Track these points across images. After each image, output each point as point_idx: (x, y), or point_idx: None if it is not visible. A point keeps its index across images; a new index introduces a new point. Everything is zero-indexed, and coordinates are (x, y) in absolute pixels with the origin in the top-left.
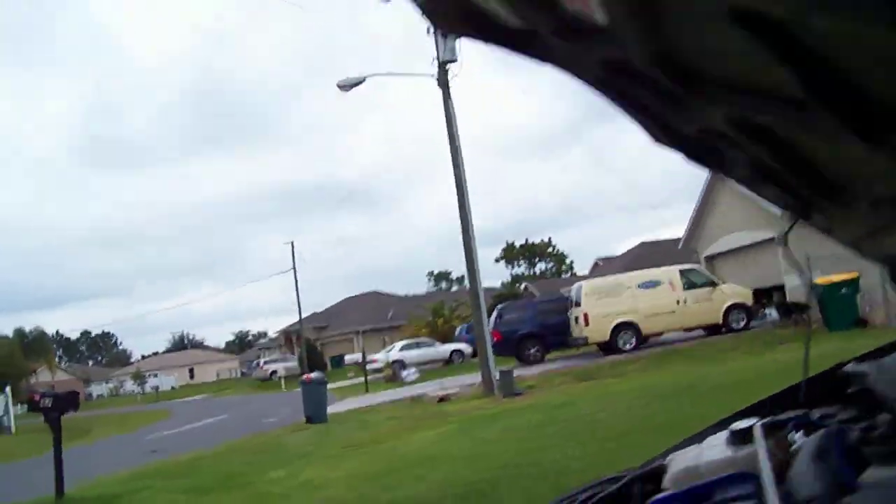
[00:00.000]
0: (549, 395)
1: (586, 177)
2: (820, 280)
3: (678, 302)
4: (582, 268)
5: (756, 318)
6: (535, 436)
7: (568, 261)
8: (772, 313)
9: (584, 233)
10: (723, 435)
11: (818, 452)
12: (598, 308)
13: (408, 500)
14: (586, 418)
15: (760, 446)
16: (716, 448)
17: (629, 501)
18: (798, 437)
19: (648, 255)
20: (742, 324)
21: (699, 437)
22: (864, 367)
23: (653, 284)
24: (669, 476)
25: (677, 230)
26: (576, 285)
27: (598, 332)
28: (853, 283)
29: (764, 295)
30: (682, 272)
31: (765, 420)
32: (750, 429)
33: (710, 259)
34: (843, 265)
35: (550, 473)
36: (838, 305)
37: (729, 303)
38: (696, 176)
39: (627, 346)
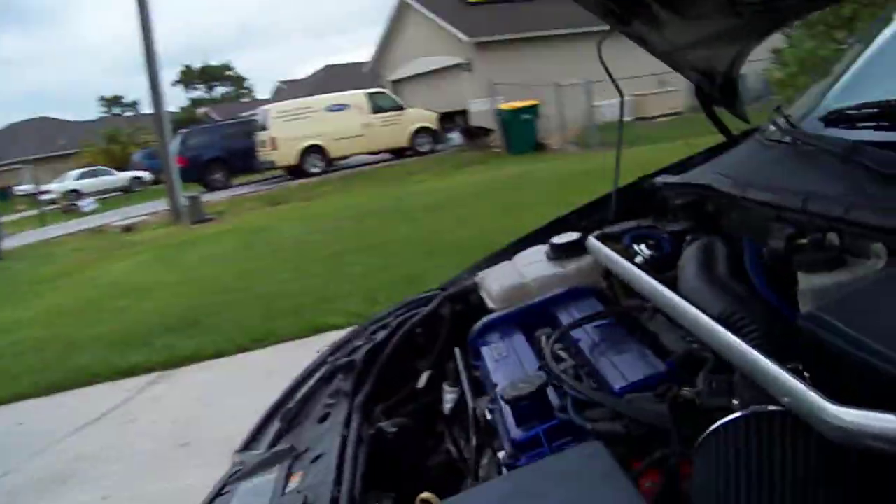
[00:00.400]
0: (242, 220)
1: None
2: (502, 105)
3: (366, 125)
4: (263, 92)
5: (441, 141)
6: (240, 260)
7: (248, 84)
8: (456, 137)
9: (264, 56)
10: (538, 249)
11: (709, 262)
12: (286, 131)
13: (113, 334)
14: (290, 241)
15: (607, 257)
16: (537, 264)
17: (441, 322)
18: (641, 248)
19: (333, 78)
20: (428, 147)
21: (503, 255)
22: (700, 178)
23: (341, 108)
24: (493, 294)
25: (361, 54)
26: (262, 109)
27: (286, 155)
28: (533, 110)
29: (449, 119)
30: (369, 95)
31: (594, 232)
32: (576, 241)
33: (397, 83)
34: (524, 92)
35: (264, 297)
36: (519, 130)
37: (415, 126)
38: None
39: (315, 170)
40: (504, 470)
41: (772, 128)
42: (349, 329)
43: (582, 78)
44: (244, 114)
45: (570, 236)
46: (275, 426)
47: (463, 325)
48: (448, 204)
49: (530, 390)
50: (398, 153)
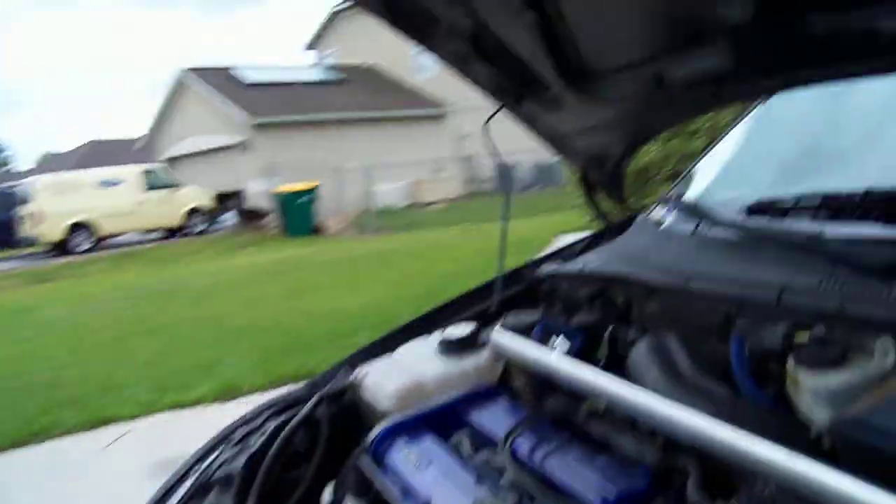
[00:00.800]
0: (2, 299)
1: (27, 65)
2: (280, 187)
3: (139, 202)
4: (25, 163)
5: (217, 221)
6: (3, 343)
7: (6, 155)
8: (231, 217)
9: (26, 126)
10: (425, 343)
11: (672, 361)
12: (54, 206)
13: None
14: (62, 323)
15: (530, 355)
16: (429, 359)
17: (319, 425)
18: (559, 342)
19: (101, 153)
20: (203, 227)
21: (377, 349)
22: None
23: (114, 183)
24: (386, 394)
25: (133, 130)
26: (28, 181)
27: (52, 230)
28: (311, 193)
29: (225, 199)
30: (143, 172)
31: (496, 324)
32: (473, 335)
33: (173, 160)
34: (303, 175)
35: (39, 386)
36: (297, 213)
37: (190, 206)
38: (155, 76)
39: (84, 247)
40: None
41: (663, 215)
42: (211, 437)
43: (359, 162)
44: (3, 185)
45: (464, 329)
46: None
47: (340, 428)
48: (231, 286)
49: None
50: (172, 232)
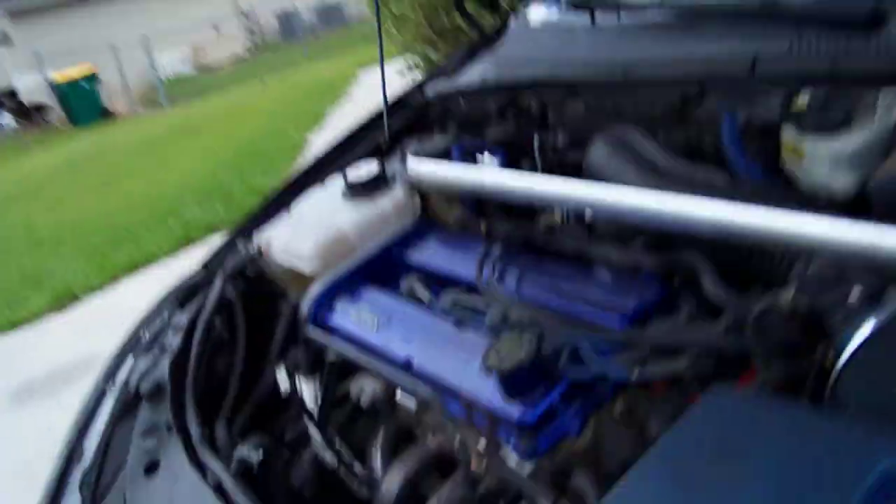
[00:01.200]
0: None
1: None
2: (57, 76)
3: None
4: None
5: None
6: None
7: None
8: (8, 118)
9: None
10: (327, 192)
11: (642, 155)
12: None
13: None
14: None
15: (462, 175)
16: (340, 208)
17: (231, 307)
18: (486, 159)
19: None
20: None
21: (271, 211)
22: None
23: None
24: (304, 255)
25: None
26: None
27: None
28: (92, 77)
29: None
30: None
31: (410, 154)
32: (382, 172)
33: None
34: (78, 59)
35: None
36: (81, 100)
37: None
38: None
39: None
40: (518, 460)
41: (545, 12)
42: (116, 346)
43: (135, 35)
44: None
45: (370, 168)
46: (72, 500)
47: (254, 306)
48: (30, 191)
49: (529, 354)
50: None
